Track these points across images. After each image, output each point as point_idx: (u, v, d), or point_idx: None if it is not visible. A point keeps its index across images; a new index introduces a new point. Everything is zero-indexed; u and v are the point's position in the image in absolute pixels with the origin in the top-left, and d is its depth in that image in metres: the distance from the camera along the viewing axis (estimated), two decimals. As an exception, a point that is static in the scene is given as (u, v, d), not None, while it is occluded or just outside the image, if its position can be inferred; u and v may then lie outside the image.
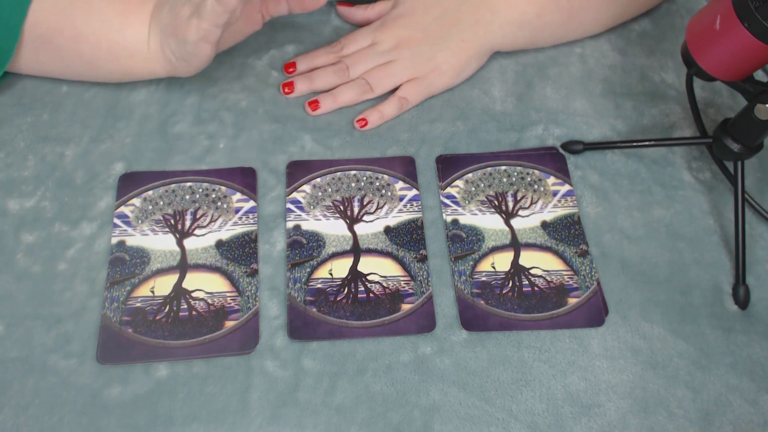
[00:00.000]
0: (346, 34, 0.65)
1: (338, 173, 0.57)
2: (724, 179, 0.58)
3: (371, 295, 0.51)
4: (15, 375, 0.47)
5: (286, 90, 0.60)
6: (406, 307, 0.51)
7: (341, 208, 0.55)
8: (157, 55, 0.55)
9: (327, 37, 0.65)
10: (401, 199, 0.56)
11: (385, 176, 0.57)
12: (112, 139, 0.58)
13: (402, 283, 0.52)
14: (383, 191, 0.56)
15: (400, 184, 0.56)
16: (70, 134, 0.58)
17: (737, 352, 0.50)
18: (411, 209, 0.55)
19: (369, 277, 0.52)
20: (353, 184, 0.56)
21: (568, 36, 0.64)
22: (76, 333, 0.49)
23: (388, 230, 0.54)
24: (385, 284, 0.52)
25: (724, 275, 0.53)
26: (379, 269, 0.52)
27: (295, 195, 0.55)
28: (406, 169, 0.57)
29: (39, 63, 0.57)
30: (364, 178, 0.56)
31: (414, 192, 0.56)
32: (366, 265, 0.52)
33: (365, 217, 0.55)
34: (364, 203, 0.55)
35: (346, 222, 0.54)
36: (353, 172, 0.57)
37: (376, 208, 0.55)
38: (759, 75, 0.64)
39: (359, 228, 0.54)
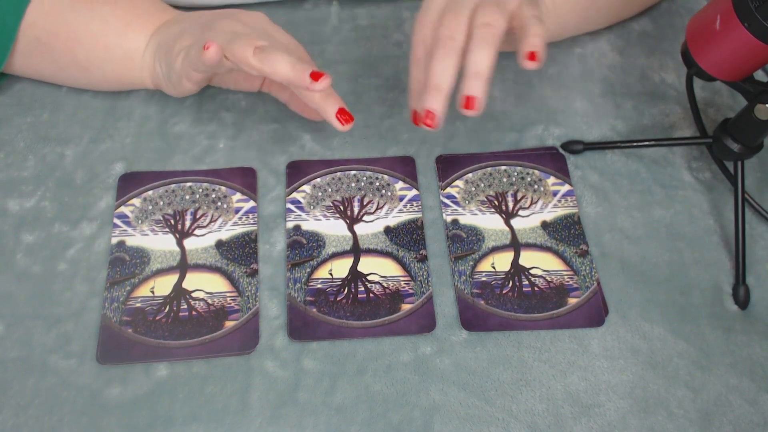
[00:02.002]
0: (345, 34, 0.65)
1: (338, 173, 0.57)
2: (724, 179, 0.58)
3: (371, 295, 0.51)
4: (15, 375, 0.47)
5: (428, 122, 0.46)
6: (406, 307, 0.51)
7: (341, 208, 0.55)
8: (149, 66, 0.56)
9: (327, 36, 0.65)
10: (401, 199, 0.56)
11: (385, 176, 0.56)
12: (112, 139, 0.58)
13: (402, 283, 0.52)
14: (383, 191, 0.56)
15: (400, 184, 0.56)
16: (70, 134, 0.58)
17: (737, 352, 0.50)
18: (411, 209, 0.55)
19: (369, 278, 0.52)
20: (353, 184, 0.56)
21: (589, 21, 0.63)
22: (76, 333, 0.49)
23: (388, 230, 0.54)
24: (385, 284, 0.52)
25: (724, 275, 0.53)
26: (379, 269, 0.52)
27: (295, 195, 0.55)
28: (406, 169, 0.57)
29: (33, 65, 0.57)
30: (364, 178, 0.56)
31: (414, 192, 0.56)
32: (366, 265, 0.52)
33: (365, 217, 0.55)
34: (364, 203, 0.55)
35: (346, 222, 0.54)
36: (353, 172, 0.57)
37: (376, 208, 0.55)
38: (759, 75, 0.64)
39: (359, 228, 0.54)
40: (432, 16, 0.48)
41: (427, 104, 0.45)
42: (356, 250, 0.53)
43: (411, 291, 0.51)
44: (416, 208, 0.55)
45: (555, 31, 0.61)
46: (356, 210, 0.55)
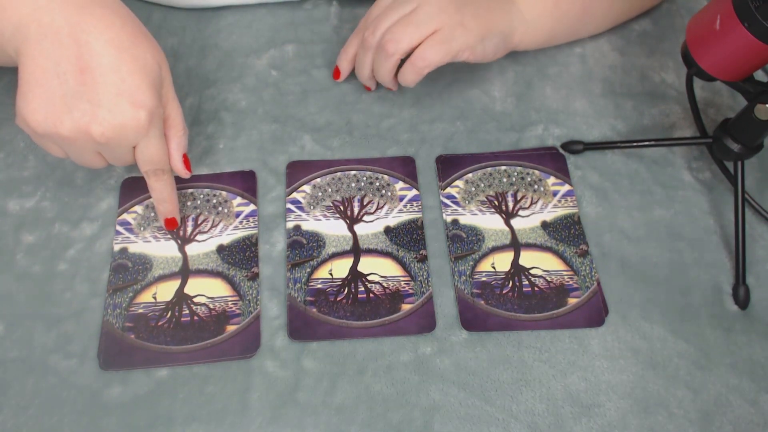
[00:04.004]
0: (345, 34, 0.65)
1: (338, 173, 0.57)
2: (724, 179, 0.58)
3: (371, 295, 0.51)
4: (15, 375, 0.47)
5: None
6: (406, 307, 0.51)
7: (341, 208, 0.55)
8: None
9: (327, 36, 0.65)
10: (401, 199, 0.56)
11: (385, 176, 0.56)
12: (112, 139, 0.58)
13: (402, 283, 0.52)
14: (383, 191, 0.56)
15: (400, 184, 0.56)
16: (70, 134, 0.58)
17: (737, 352, 0.50)
18: (411, 209, 0.55)
19: (369, 278, 0.52)
20: (353, 184, 0.56)
21: (582, 30, 0.63)
22: (76, 333, 0.49)
23: (388, 230, 0.54)
24: (385, 284, 0.52)
25: (724, 275, 0.53)
26: (379, 269, 0.52)
27: (295, 195, 0.55)
28: (406, 169, 0.57)
29: None
30: (364, 179, 0.56)
31: (414, 192, 0.56)
32: (366, 265, 0.52)
33: (365, 217, 0.55)
34: (364, 203, 0.55)
35: (346, 222, 0.54)
36: (353, 172, 0.57)
37: (376, 208, 0.55)
38: (759, 75, 0.64)
39: (359, 228, 0.54)
40: (376, 10, 0.57)
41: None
42: (356, 250, 0.53)
43: (411, 291, 0.51)
44: (416, 208, 0.55)
45: (543, 41, 0.62)
46: (356, 210, 0.55)
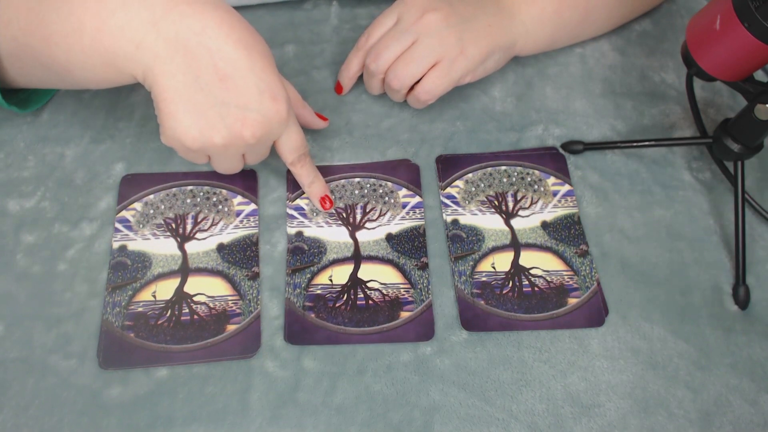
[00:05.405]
0: (345, 34, 0.65)
1: (342, 180, 0.56)
2: (724, 179, 0.58)
3: (370, 302, 0.51)
4: (15, 375, 0.47)
5: None
6: (404, 314, 0.50)
7: (344, 215, 0.55)
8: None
9: (327, 37, 0.65)
10: (404, 206, 0.55)
11: (389, 183, 0.56)
12: (112, 139, 0.58)
13: (402, 290, 0.51)
14: (386, 198, 0.56)
15: (403, 191, 0.56)
16: (70, 134, 0.58)
17: (737, 352, 0.50)
18: (413, 216, 0.55)
19: (369, 284, 0.52)
20: (356, 191, 0.56)
21: (583, 35, 0.64)
22: (76, 333, 0.49)
23: (389, 237, 0.54)
24: (384, 291, 0.51)
25: (724, 275, 0.53)
26: (380, 276, 0.52)
27: (298, 202, 0.55)
28: (410, 176, 0.57)
29: (23, 70, 0.49)
30: (368, 186, 0.56)
31: (417, 199, 0.56)
32: (366, 272, 0.52)
33: (367, 224, 0.54)
34: (367, 210, 0.55)
35: (348, 229, 0.54)
36: (357, 179, 0.56)
37: (379, 215, 0.55)
38: (759, 75, 0.64)
39: (361, 235, 0.54)
40: (376, 32, 0.58)
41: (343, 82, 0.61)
42: (357, 257, 0.53)
43: (410, 299, 0.51)
44: (419, 216, 0.55)
45: (544, 47, 0.62)
46: (359, 217, 0.55)
